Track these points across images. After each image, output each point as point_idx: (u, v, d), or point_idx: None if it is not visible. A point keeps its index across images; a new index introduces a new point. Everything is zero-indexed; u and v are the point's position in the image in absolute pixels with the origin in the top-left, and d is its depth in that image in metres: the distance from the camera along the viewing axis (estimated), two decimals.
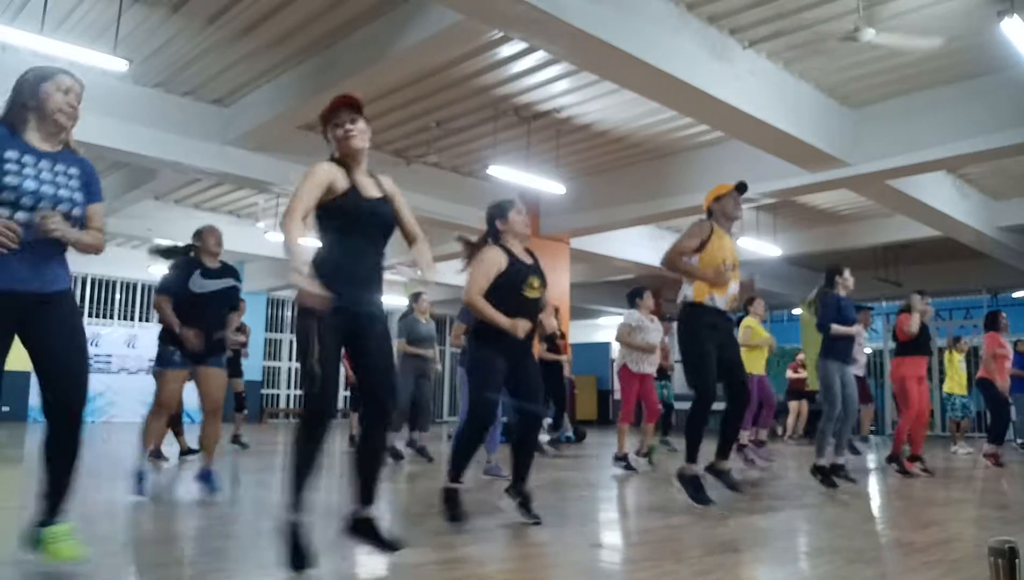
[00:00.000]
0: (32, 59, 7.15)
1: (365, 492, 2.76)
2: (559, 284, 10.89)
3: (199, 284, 4.51)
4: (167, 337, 4.54)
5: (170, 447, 7.22)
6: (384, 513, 3.78)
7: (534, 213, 10.92)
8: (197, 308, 4.46)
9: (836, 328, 5.60)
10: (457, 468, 3.71)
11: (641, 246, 12.87)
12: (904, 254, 13.50)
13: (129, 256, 15.08)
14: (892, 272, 14.00)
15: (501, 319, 3.61)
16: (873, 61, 6.95)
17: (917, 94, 7.56)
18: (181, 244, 4.83)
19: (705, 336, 4.32)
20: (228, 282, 4.65)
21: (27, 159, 2.49)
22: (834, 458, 5.52)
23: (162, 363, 4.53)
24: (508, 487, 3.83)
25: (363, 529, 2.72)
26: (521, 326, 3.62)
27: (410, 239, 3.03)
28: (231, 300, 4.72)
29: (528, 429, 3.81)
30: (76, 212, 2.57)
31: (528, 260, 3.79)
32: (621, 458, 6.49)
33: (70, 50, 5.92)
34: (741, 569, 3.03)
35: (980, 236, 10.83)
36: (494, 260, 3.68)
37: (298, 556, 2.50)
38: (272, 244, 12.38)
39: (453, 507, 3.63)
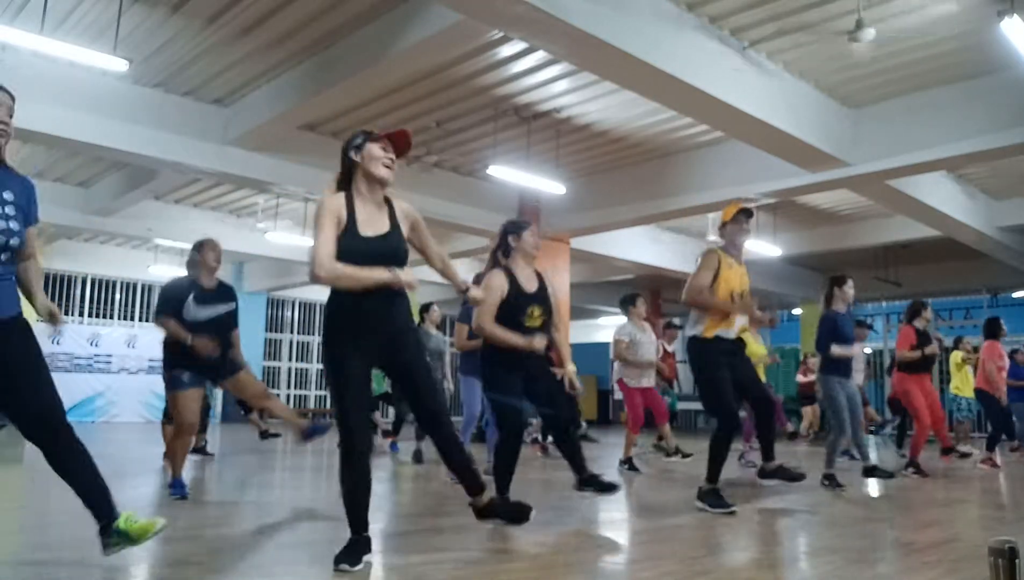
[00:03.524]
0: (32, 59, 7.20)
1: (468, 486, 3.14)
2: (559, 284, 10.88)
3: (192, 313, 4.42)
4: (172, 359, 4.46)
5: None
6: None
7: (534, 214, 10.92)
8: (193, 333, 4.39)
9: (835, 349, 5.68)
10: (503, 481, 3.80)
11: (641, 246, 12.87)
12: (904, 254, 13.49)
13: (129, 256, 15.07)
14: (892, 272, 14.00)
15: (516, 340, 3.73)
16: (873, 61, 6.94)
17: (917, 94, 7.55)
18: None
19: (719, 362, 4.35)
20: (222, 309, 4.55)
21: None
22: (864, 462, 5.99)
23: (174, 386, 4.45)
24: (574, 483, 4.07)
25: (488, 513, 3.17)
26: (537, 342, 3.79)
27: (434, 262, 3.12)
28: (228, 326, 4.61)
29: (558, 432, 4.03)
30: (13, 242, 2.46)
31: (532, 287, 3.86)
32: (625, 461, 6.58)
33: (70, 50, 5.92)
34: (741, 569, 3.04)
35: (980, 236, 10.82)
36: (498, 286, 3.80)
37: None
38: (272, 244, 12.39)
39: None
